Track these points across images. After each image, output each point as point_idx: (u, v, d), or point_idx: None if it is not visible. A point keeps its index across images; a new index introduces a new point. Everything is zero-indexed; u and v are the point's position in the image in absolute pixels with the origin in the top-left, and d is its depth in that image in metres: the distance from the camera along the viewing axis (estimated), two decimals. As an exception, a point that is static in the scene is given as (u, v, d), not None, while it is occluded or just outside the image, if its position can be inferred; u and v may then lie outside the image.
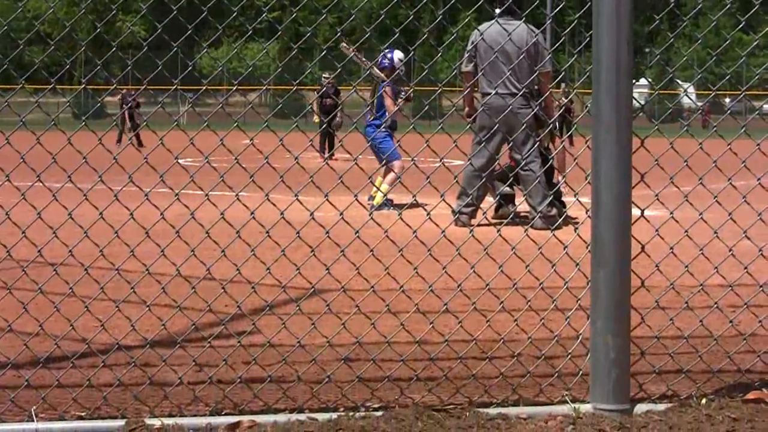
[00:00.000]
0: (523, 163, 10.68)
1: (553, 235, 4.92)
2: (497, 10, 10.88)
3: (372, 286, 4.64)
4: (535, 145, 10.60)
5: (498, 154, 11.48)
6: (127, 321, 4.70)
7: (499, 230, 4.74)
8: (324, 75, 28.44)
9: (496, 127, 10.33)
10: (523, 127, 10.11)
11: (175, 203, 4.35)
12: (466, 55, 10.97)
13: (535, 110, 10.68)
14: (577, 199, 4.66)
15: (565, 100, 34.84)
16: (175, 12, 4.20)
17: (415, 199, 4.84)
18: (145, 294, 5.24)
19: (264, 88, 57.41)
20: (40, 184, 4.24)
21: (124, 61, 4.47)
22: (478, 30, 10.80)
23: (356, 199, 4.63)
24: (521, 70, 10.59)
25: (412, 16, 4.64)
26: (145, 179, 4.52)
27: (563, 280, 4.67)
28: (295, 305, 4.85)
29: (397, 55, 14.01)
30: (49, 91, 4.57)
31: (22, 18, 65.93)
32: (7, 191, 4.31)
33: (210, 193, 4.46)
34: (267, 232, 4.43)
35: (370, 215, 4.59)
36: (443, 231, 4.57)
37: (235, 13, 4.68)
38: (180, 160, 4.50)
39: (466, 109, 11.43)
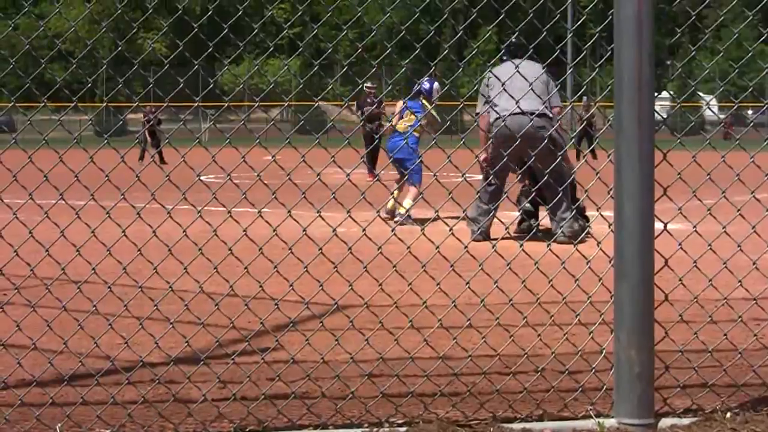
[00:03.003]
0: (545, 179, 10.69)
1: (576, 249, 4.91)
2: (506, 57, 11.17)
3: (395, 302, 4.65)
4: (557, 161, 10.61)
5: (505, 182, 11.74)
6: (151, 338, 4.71)
7: (521, 245, 4.74)
8: (366, 85, 27.31)
9: (510, 151, 10.35)
10: (544, 144, 10.14)
11: (198, 220, 4.37)
12: (482, 98, 11.09)
13: (554, 129, 10.75)
14: (600, 214, 4.64)
15: (587, 115, 34.84)
16: (196, 29, 4.23)
17: (437, 215, 4.84)
18: (169, 311, 5.25)
19: (285, 104, 57.61)
20: (63, 202, 4.27)
21: (145, 79, 4.50)
22: (491, 73, 10.93)
23: (378, 216, 4.63)
24: (538, 93, 10.71)
25: (432, 32, 4.65)
26: (168, 196, 4.53)
27: (586, 294, 4.66)
28: (318, 321, 4.86)
29: (436, 85, 14.50)
30: (71, 108, 4.59)
31: (43, 36, 66.43)
32: (31, 209, 4.33)
33: (232, 209, 4.47)
34: (290, 248, 4.44)
35: (392, 231, 4.59)
36: (465, 246, 4.57)
37: (256, 30, 4.69)
38: (202, 177, 4.52)
39: (483, 155, 11.45)
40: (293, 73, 64.83)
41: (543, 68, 10.31)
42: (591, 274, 4.66)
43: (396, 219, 13.15)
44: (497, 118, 10.79)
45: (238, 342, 5.69)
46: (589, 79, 6.39)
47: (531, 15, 4.64)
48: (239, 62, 74.64)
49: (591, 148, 23.51)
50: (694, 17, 4.94)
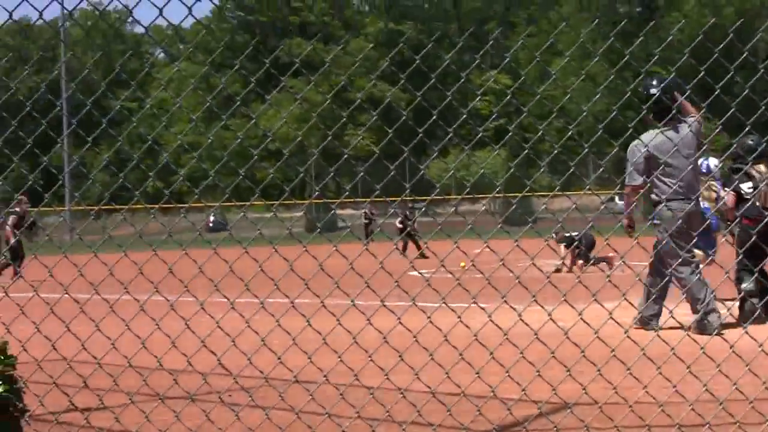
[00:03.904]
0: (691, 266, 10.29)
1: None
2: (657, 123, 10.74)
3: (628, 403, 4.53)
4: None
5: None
6: None
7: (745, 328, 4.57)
8: None
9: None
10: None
11: (413, 312, 4.39)
12: (632, 168, 10.67)
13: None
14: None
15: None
16: (404, 117, 4.30)
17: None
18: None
19: (492, 195, 57.86)
20: (276, 294, 4.36)
21: (353, 174, 4.59)
22: (641, 141, 10.53)
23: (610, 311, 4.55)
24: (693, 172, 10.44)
25: (638, 118, 4.60)
26: (380, 291, 4.58)
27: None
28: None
29: (713, 162, 14.23)
30: (281, 206, 4.71)
31: (254, 137, 68.82)
32: (248, 304, 4.44)
33: (448, 302, 4.48)
34: (518, 346, 4.40)
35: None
36: (703, 347, 4.44)
37: (460, 121, 4.74)
38: (414, 272, 4.54)
39: (626, 221, 11.05)
40: (500, 164, 65.04)
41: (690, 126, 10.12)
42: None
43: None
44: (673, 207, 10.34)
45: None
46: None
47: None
48: (446, 154, 75.40)
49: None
50: None
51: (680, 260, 9.84)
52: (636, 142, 10.25)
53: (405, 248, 31.81)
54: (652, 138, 10.13)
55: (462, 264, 18.09)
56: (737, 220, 11.12)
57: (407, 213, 33.43)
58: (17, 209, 22.41)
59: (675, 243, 9.68)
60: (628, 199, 10.62)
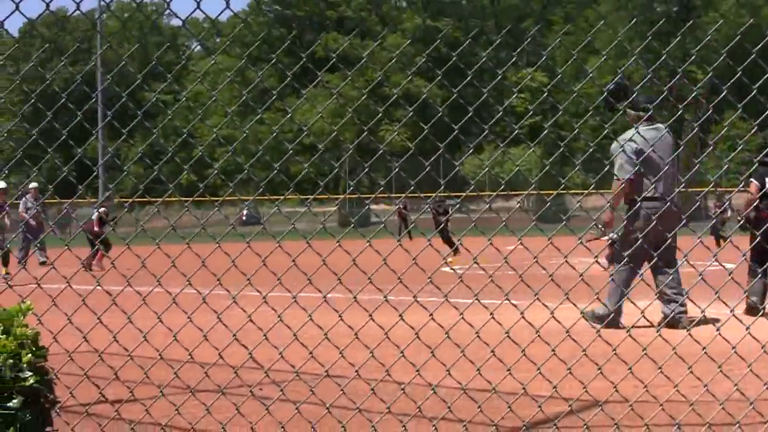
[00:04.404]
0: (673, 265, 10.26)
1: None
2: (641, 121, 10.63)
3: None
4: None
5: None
6: None
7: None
8: None
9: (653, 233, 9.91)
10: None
11: (445, 308, 4.37)
12: (623, 162, 10.52)
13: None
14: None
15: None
16: (440, 113, 4.28)
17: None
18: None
19: (526, 192, 57.76)
20: (309, 288, 4.36)
21: (387, 169, 4.57)
22: (626, 138, 10.46)
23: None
24: (673, 174, 10.44)
25: (676, 115, 4.55)
26: (413, 287, 4.56)
27: None
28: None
29: None
30: (315, 200, 4.71)
31: (288, 130, 68.96)
32: (280, 298, 4.44)
33: (480, 299, 4.46)
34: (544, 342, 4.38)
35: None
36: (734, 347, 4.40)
37: (496, 118, 4.72)
38: (445, 268, 4.53)
39: (609, 216, 10.93)
40: (534, 161, 64.86)
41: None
42: None
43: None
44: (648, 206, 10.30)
45: None
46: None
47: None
48: (480, 151, 75.20)
49: None
50: None
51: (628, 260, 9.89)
52: (620, 138, 10.26)
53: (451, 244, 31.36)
54: (632, 136, 10.08)
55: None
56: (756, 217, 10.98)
57: (438, 209, 33.13)
58: (105, 204, 23.48)
59: (636, 243, 9.59)
60: (620, 194, 10.45)
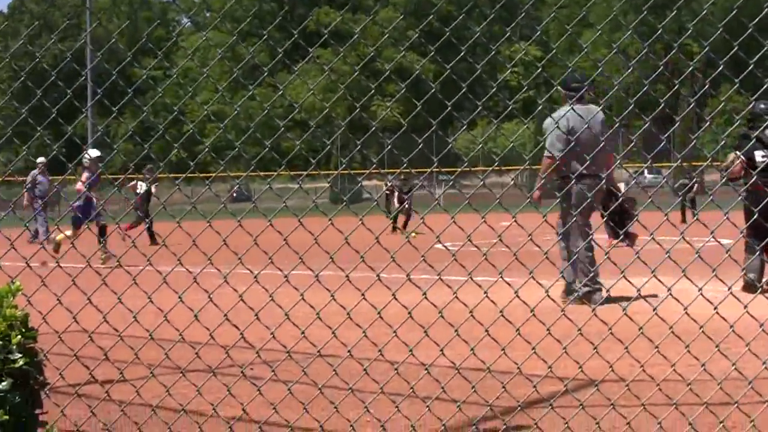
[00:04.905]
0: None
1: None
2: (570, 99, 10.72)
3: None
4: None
5: None
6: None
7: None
8: None
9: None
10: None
11: (438, 286, 4.32)
12: (554, 139, 10.58)
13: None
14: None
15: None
16: (433, 89, 4.21)
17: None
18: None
19: (520, 168, 57.72)
20: (300, 267, 4.30)
21: (380, 145, 4.51)
22: (559, 115, 10.59)
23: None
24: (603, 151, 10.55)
25: (673, 90, 4.50)
26: (406, 265, 4.51)
27: None
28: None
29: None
30: (307, 176, 4.65)
31: (279, 105, 68.75)
32: (272, 276, 4.38)
33: (473, 277, 4.40)
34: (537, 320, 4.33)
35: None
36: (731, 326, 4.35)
37: (489, 94, 4.66)
38: (441, 244, 4.48)
39: (538, 194, 10.97)
40: (527, 137, 64.83)
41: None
42: None
43: None
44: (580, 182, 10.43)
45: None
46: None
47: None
48: (473, 127, 75.15)
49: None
50: None
51: (580, 234, 10.06)
52: (554, 114, 10.47)
53: (405, 225, 30.92)
54: (567, 113, 10.16)
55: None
56: (746, 190, 10.93)
57: (402, 187, 32.55)
58: (148, 177, 23.25)
59: (578, 216, 9.89)
60: (547, 169, 10.52)
